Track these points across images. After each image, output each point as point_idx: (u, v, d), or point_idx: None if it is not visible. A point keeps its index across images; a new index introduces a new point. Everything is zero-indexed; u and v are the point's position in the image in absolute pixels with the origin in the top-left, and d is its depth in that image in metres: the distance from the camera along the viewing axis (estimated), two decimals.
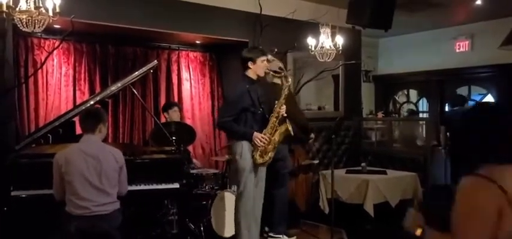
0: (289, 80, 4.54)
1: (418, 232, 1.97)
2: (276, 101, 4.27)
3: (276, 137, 4.21)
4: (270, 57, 4.51)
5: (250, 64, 4.22)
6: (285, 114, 4.25)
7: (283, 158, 4.84)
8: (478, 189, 1.74)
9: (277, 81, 4.62)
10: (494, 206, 1.69)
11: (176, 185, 4.21)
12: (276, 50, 5.61)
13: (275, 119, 4.21)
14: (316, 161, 6.03)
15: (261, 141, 4.12)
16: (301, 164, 5.71)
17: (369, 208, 5.10)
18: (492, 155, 1.80)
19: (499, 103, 6.54)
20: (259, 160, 4.17)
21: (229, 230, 4.79)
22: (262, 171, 4.31)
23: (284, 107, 4.25)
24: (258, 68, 4.23)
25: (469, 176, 1.79)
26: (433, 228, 1.92)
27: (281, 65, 4.99)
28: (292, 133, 4.24)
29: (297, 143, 5.55)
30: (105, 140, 3.83)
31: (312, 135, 5.82)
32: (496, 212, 1.69)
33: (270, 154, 4.21)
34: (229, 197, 4.90)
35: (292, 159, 5.42)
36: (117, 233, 3.33)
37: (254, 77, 4.25)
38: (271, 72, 4.45)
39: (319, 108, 7.02)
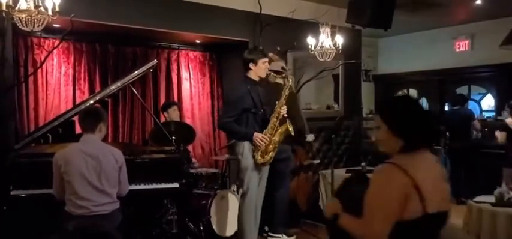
0: (291, 80, 4.54)
1: (333, 216, 2.09)
2: (277, 102, 4.27)
3: (276, 137, 4.21)
4: (273, 57, 4.49)
5: (251, 65, 4.22)
6: (286, 115, 4.24)
7: (286, 159, 4.83)
8: (388, 176, 1.92)
9: (280, 81, 4.61)
10: (402, 191, 1.87)
11: (176, 185, 4.20)
12: (278, 48, 5.60)
13: (276, 120, 4.21)
14: (316, 161, 6.01)
15: (261, 141, 4.12)
16: (303, 163, 5.70)
17: None
18: (407, 143, 1.95)
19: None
20: (260, 160, 4.17)
21: (229, 229, 4.79)
22: (265, 170, 4.31)
23: (284, 107, 4.24)
24: (259, 69, 4.24)
25: (382, 164, 1.98)
26: (349, 213, 2.05)
27: (284, 64, 4.99)
28: (292, 133, 4.24)
29: (296, 144, 5.54)
30: (104, 140, 3.81)
31: (312, 136, 5.80)
32: (404, 196, 1.86)
33: (270, 154, 4.21)
34: (230, 197, 4.89)
35: (294, 159, 5.41)
36: (118, 234, 3.33)
37: (255, 78, 4.25)
38: (272, 73, 4.44)
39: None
